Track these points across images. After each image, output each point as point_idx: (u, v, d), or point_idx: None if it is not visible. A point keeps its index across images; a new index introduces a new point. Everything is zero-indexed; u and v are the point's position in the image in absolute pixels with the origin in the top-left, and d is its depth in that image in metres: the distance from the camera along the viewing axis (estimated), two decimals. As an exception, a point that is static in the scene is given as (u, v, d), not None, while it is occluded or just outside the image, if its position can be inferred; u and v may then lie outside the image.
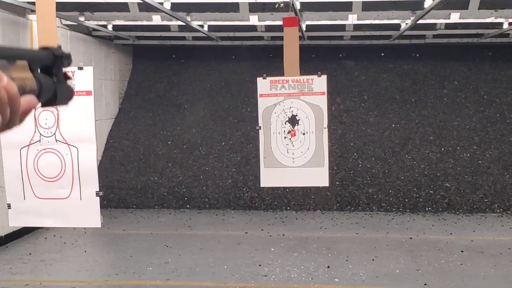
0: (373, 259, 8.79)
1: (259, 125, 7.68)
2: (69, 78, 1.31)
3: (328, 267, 8.41)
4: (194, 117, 13.49)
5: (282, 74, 7.91)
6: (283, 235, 10.29)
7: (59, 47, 1.30)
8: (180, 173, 12.73)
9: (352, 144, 12.74)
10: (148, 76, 14.46)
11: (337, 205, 12.11)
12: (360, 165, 12.47)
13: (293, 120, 7.57)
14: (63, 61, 1.27)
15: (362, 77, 13.80)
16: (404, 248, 9.40)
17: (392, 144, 12.73)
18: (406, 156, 12.54)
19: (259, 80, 7.70)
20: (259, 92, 7.69)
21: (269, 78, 7.66)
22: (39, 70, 1.22)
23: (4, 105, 0.96)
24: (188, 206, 12.38)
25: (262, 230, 10.63)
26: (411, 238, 9.98)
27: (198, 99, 13.77)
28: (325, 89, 7.55)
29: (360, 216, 11.65)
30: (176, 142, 13.16)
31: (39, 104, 1.19)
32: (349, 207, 12.09)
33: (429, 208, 11.94)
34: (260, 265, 8.48)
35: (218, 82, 14.04)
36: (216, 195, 12.44)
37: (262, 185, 7.89)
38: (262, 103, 7.65)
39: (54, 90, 1.26)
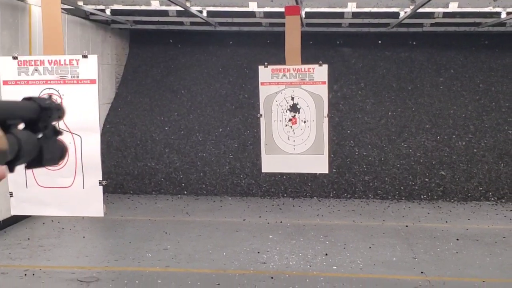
0: (370, 247, 8.83)
1: (260, 113, 7.69)
2: (59, 133, 1.17)
3: (326, 254, 8.44)
4: (191, 103, 13.45)
5: (280, 61, 7.92)
6: (281, 222, 10.32)
7: (49, 96, 1.15)
8: (177, 159, 12.71)
9: (349, 131, 12.75)
10: (145, 61, 14.40)
11: (334, 192, 12.14)
12: (356, 153, 12.49)
13: (294, 108, 7.59)
14: (51, 114, 1.12)
15: (359, 64, 13.79)
16: (401, 236, 9.45)
17: (388, 132, 12.75)
18: (402, 144, 12.56)
19: (261, 68, 7.70)
20: (260, 80, 7.68)
21: (270, 67, 7.66)
22: (21, 125, 1.07)
23: None
24: (185, 192, 12.39)
25: (260, 217, 10.65)
26: (407, 226, 10.03)
27: (195, 85, 13.73)
28: (325, 79, 7.55)
29: (357, 204, 11.69)
30: (173, 127, 13.13)
31: (22, 166, 1.02)
32: (345, 194, 12.12)
33: (425, 196, 11.99)
34: (258, 252, 8.51)
35: (216, 68, 14.00)
36: (213, 181, 12.44)
37: (263, 170, 7.92)
38: (264, 91, 7.65)
39: (40, 148, 1.11)
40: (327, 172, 7.75)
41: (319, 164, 7.57)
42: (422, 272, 7.71)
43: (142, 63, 14.38)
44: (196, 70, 14.02)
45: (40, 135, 1.10)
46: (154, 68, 14.21)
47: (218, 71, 13.96)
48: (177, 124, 13.19)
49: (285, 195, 12.17)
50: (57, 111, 1.13)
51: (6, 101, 1.04)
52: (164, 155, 12.77)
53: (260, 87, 7.76)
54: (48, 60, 5.41)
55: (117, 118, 13.40)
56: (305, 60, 7.98)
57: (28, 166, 1.11)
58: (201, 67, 14.05)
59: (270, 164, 7.69)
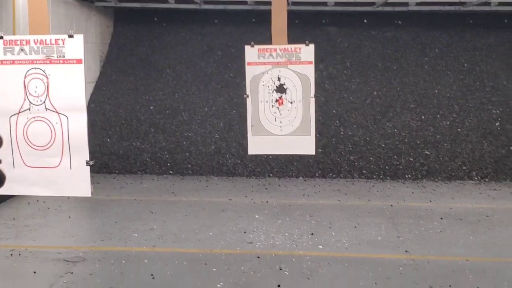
0: (355, 226, 8.91)
1: (247, 93, 7.67)
2: None
3: (312, 234, 8.51)
4: (176, 82, 13.42)
5: (266, 40, 7.90)
6: (267, 202, 10.37)
7: None
8: (163, 138, 12.70)
9: (334, 111, 12.79)
10: (130, 39, 14.33)
11: (319, 172, 12.20)
12: (342, 133, 12.54)
13: (281, 89, 7.58)
14: None
15: (345, 44, 13.80)
16: (385, 215, 9.53)
17: (373, 112, 12.80)
18: (387, 123, 12.62)
19: (247, 48, 7.67)
20: (246, 60, 7.66)
21: (257, 47, 7.63)
22: None
23: None
24: (171, 172, 12.40)
25: (246, 196, 10.69)
26: (391, 206, 10.11)
27: (180, 64, 13.69)
28: (312, 59, 7.54)
29: (342, 183, 11.76)
30: (158, 107, 13.11)
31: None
32: (331, 174, 12.18)
33: (409, 176, 12.08)
34: (245, 232, 8.56)
35: (201, 47, 13.96)
36: (199, 161, 12.46)
37: (250, 152, 7.91)
38: (250, 72, 7.62)
39: None
40: (314, 153, 7.77)
41: (306, 145, 7.59)
42: (406, 251, 7.78)
43: (127, 42, 14.30)
44: (181, 48, 13.97)
45: None
46: (139, 46, 14.14)
47: (204, 50, 13.92)
48: (162, 104, 13.17)
49: (271, 175, 12.22)
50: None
51: None
52: (149, 134, 12.75)
53: (247, 67, 7.73)
54: (34, 40, 5.37)
55: (101, 97, 13.35)
56: (291, 39, 7.96)
57: None
58: (186, 45, 14.00)
59: (256, 145, 7.69)
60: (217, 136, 12.67)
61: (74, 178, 5.59)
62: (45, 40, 5.39)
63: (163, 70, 13.65)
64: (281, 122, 7.64)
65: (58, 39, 5.42)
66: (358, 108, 12.84)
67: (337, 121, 12.67)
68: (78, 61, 5.45)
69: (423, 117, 12.68)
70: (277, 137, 7.66)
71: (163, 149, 12.59)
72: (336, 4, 12.90)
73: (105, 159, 12.43)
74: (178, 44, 14.04)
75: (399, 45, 13.75)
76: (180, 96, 13.22)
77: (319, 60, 12.97)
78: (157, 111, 13.05)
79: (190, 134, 12.73)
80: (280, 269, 7.08)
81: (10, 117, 5.56)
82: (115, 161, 12.51)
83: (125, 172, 12.40)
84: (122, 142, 12.69)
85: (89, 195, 5.62)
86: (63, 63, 5.40)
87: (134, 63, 13.84)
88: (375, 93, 13.02)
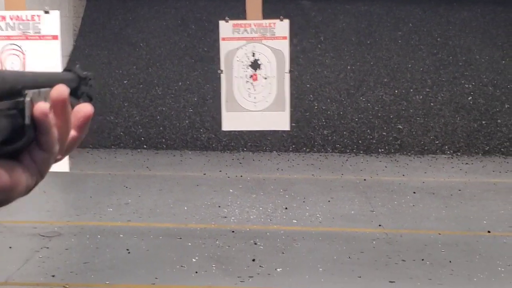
0: (329, 201, 9.06)
1: (221, 69, 7.74)
2: (91, 99, 1.24)
3: (286, 208, 8.65)
4: (150, 56, 13.42)
5: (240, 14, 7.97)
6: (241, 176, 10.48)
7: (79, 67, 1.21)
8: (137, 113, 12.74)
9: (308, 85, 12.89)
10: (103, 13, 14.25)
11: (293, 146, 12.33)
12: (316, 107, 12.66)
13: (255, 65, 7.66)
14: (87, 83, 1.20)
15: (319, 18, 13.87)
16: (359, 190, 9.70)
17: (347, 86, 12.94)
18: (361, 98, 12.77)
19: (222, 23, 7.72)
20: (221, 36, 7.72)
21: (231, 22, 7.69)
22: None
23: (61, 135, 0.90)
24: (145, 146, 12.45)
25: (220, 171, 10.80)
26: (365, 180, 10.28)
27: (154, 38, 13.68)
28: (287, 34, 7.63)
29: (315, 158, 11.91)
30: (132, 81, 13.11)
31: None
32: (304, 148, 12.33)
33: (382, 150, 12.26)
34: (219, 207, 8.68)
35: (175, 21, 13.94)
36: (173, 135, 12.53)
37: (223, 129, 8.00)
38: (224, 47, 7.69)
39: None
40: (288, 129, 7.89)
41: (281, 121, 7.71)
42: (379, 225, 7.96)
43: (100, 15, 14.23)
44: (155, 22, 13.95)
45: (80, 102, 1.15)
46: (112, 20, 14.08)
47: (177, 24, 13.90)
48: (136, 78, 13.17)
49: (245, 149, 12.33)
50: (91, 80, 1.22)
51: (51, 72, 1.11)
52: (123, 109, 12.77)
53: (221, 42, 7.80)
54: (10, 16, 5.40)
55: (74, 71, 13.29)
56: (266, 14, 8.03)
57: None
58: (160, 19, 13.97)
59: (230, 121, 7.78)
60: (191, 110, 12.72)
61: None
62: (21, 16, 5.42)
63: (137, 44, 13.63)
64: (255, 98, 7.73)
65: (34, 15, 5.45)
66: (332, 83, 12.96)
67: (311, 95, 12.78)
68: (54, 37, 5.49)
69: (396, 91, 12.84)
70: (252, 113, 7.76)
71: (137, 124, 12.63)
72: (311, -22, 12.96)
73: (79, 134, 12.41)
74: (152, 17, 14.00)
75: (372, 19, 13.85)
76: (154, 70, 13.23)
77: (294, 34, 13.05)
78: (131, 85, 13.05)
79: (164, 109, 12.77)
80: (255, 244, 7.22)
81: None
82: (89, 135, 12.44)
83: (99, 146, 12.41)
84: (96, 116, 12.65)
85: (67, 170, 5.69)
86: (39, 39, 5.44)
87: (107, 37, 13.80)
88: (348, 67, 13.14)
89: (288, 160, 11.68)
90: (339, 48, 13.42)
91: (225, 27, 7.74)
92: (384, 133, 12.41)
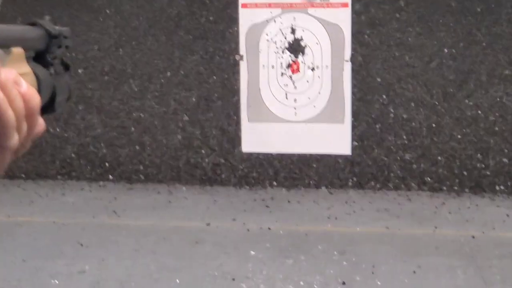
0: (414, 271, 8.96)
1: (240, 53, 7.69)
2: (69, 67, 1.40)
3: (344, 283, 8.55)
4: (121, 30, 13.40)
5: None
6: (269, 228, 10.39)
7: (49, 20, 1.30)
8: (98, 122, 12.72)
9: (379, 80, 12.76)
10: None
11: (354, 179, 12.22)
12: (391, 115, 12.54)
13: (296, 48, 7.59)
14: (61, 43, 1.33)
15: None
16: (464, 253, 9.57)
17: (443, 82, 12.80)
18: (466, 101, 12.66)
19: (241, -21, 7.68)
20: (241, 1, 7.68)
21: (257, -22, 7.64)
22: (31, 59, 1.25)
23: (21, 121, 1.03)
24: (111, 177, 12.42)
25: (234, 219, 10.73)
26: (473, 237, 10.14)
27: (128, 1, 13.66)
28: (348, -2, 7.57)
29: (391, 199, 11.79)
30: (92, 70, 13.10)
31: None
32: (373, 182, 12.22)
33: (502, 187, 12.13)
34: (233, 280, 8.61)
35: (161, -27, 13.94)
36: (157, 159, 12.49)
37: (243, 149, 7.93)
38: (246, 18, 7.64)
39: (53, 88, 1.31)
40: (349, 152, 7.78)
41: (336, 139, 7.63)
42: (499, 314, 7.84)
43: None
44: (129, -25, 13.95)
45: (51, 71, 1.30)
46: (61, -29, 14.12)
47: (166, -23, 13.90)
48: (98, 64, 13.16)
49: (274, 183, 12.23)
50: (66, 39, 1.37)
51: (8, 26, 1.17)
52: (76, 115, 12.76)
53: (240, 10, 7.76)
54: None
55: (-2, 53, 13.31)
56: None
57: (41, 113, 1.23)
58: (138, -30, 13.98)
59: (254, 138, 7.72)
60: (187, 118, 12.67)
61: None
62: None
63: (100, 10, 13.61)
64: (295, 100, 7.65)
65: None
66: (418, 75, 12.84)
67: (384, 96, 12.67)
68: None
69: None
70: (290, 125, 7.68)
71: (98, 140, 12.60)
72: None
73: (4, 155, 12.40)
74: (125, -34, 14.02)
75: None
76: (126, 52, 13.20)
77: (356, -4, 13.00)
78: (90, 77, 13.04)
79: (142, 115, 12.73)
80: None
81: None
82: (21, 159, 12.46)
83: (37, 176, 12.39)
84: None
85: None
86: None
87: (51, -3, 13.82)
88: (446, 50, 13.02)
89: (347, 203, 11.57)
90: (430, 18, 13.31)
91: (247, -14, 7.69)
92: (504, 159, 12.27)
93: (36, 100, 1.06)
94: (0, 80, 0.95)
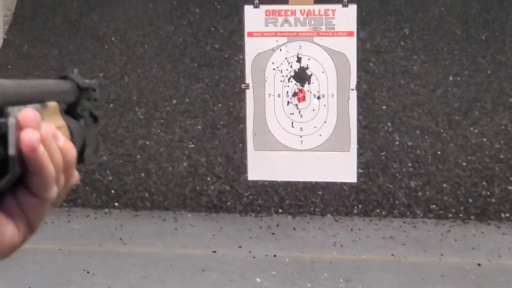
0: (420, 299, 8.95)
1: (246, 82, 7.71)
2: (97, 119, 1.42)
3: (350, 311, 8.55)
4: (127, 58, 13.45)
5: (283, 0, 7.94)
6: (274, 255, 10.40)
7: (78, 73, 1.37)
8: (104, 149, 12.72)
9: (384, 108, 12.80)
10: (51, -12, 14.37)
11: (360, 207, 12.23)
12: (397, 143, 12.56)
13: (302, 76, 7.61)
14: (90, 96, 1.37)
15: (402, -2, 13.85)
16: (470, 282, 9.56)
17: (448, 109, 12.86)
18: (471, 128, 12.70)
19: (248, 9, 7.72)
20: (247, 29, 7.71)
21: (263, 7, 7.67)
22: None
23: (59, 173, 1.06)
24: (117, 204, 12.42)
25: (240, 247, 10.72)
26: (479, 265, 10.13)
27: (133, 28, 13.72)
28: (354, 27, 7.60)
29: (397, 226, 11.79)
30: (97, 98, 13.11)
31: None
32: (378, 210, 12.22)
33: (508, 214, 12.12)
34: (240, 308, 8.60)
35: (167, 1, 13.98)
36: (162, 186, 12.49)
37: (249, 177, 7.95)
38: (252, 47, 7.67)
39: (83, 140, 1.33)
40: (354, 180, 7.80)
41: (342, 167, 7.63)
42: None
43: (47, -9, 14.34)
44: (134, 4, 13.99)
45: (81, 123, 1.34)
46: (67, 0, 14.17)
47: (171, 6, 13.94)
48: (104, 92, 13.18)
49: (280, 210, 12.24)
50: (95, 91, 1.39)
51: (42, 81, 1.20)
52: (82, 143, 12.75)
53: (246, 38, 7.78)
54: None
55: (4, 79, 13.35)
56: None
57: None
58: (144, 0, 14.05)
59: (260, 166, 7.73)
60: (192, 145, 12.69)
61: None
62: None
63: (106, 38, 13.67)
64: (301, 129, 7.67)
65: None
66: (423, 103, 12.87)
67: (389, 124, 12.69)
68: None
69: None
70: (296, 153, 7.69)
71: (104, 167, 12.61)
72: None
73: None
74: (130, -4, 14.09)
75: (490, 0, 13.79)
76: (132, 79, 13.24)
77: (361, 24, 13.03)
78: (95, 105, 13.04)
79: (148, 143, 12.75)
80: None
81: None
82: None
83: (42, 204, 12.38)
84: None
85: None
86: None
87: (59, 26, 13.87)
88: (450, 78, 13.05)
89: (352, 230, 11.57)
90: (434, 46, 13.35)
91: (254, 15, 7.73)
92: (510, 187, 12.27)
93: (73, 153, 1.10)
94: (41, 134, 0.98)
